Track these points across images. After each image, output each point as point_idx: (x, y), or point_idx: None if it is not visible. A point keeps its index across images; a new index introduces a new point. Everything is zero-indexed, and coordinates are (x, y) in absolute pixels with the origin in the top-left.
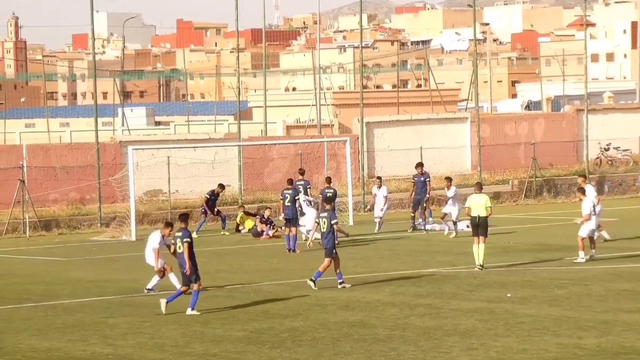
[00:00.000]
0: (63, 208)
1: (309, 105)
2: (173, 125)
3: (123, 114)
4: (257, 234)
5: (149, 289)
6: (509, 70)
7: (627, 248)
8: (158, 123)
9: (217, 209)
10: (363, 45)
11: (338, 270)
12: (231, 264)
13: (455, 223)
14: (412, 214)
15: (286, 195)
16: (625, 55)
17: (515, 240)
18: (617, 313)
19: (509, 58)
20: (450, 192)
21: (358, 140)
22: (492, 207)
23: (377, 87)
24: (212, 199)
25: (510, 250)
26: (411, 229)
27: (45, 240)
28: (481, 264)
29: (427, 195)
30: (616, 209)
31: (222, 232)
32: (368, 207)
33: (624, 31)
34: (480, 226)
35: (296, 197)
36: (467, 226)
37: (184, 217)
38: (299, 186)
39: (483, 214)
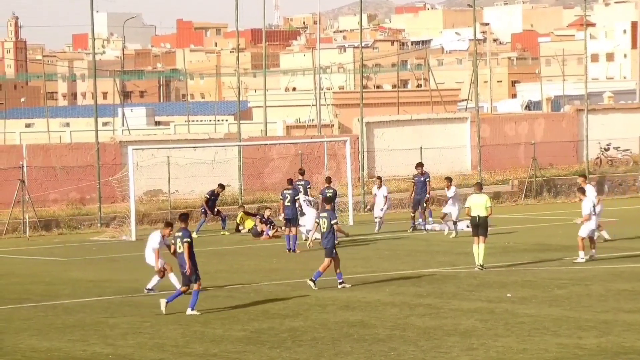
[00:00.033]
0: (63, 208)
1: (309, 105)
2: (173, 125)
3: (123, 114)
4: (257, 234)
5: (149, 289)
6: (509, 70)
7: (627, 248)
8: (158, 123)
9: (217, 209)
10: (363, 45)
11: (338, 270)
12: (231, 264)
13: (455, 223)
14: (412, 214)
15: (286, 195)
16: (625, 55)
17: (515, 240)
18: (617, 313)
19: (509, 58)
20: (450, 192)
21: (358, 140)
22: (492, 207)
23: (377, 87)
24: (212, 199)
25: (510, 250)
26: (411, 229)
27: (45, 240)
28: (481, 264)
29: (427, 195)
30: (616, 209)
31: (222, 232)
32: (368, 207)
33: (624, 31)
34: (480, 226)
35: (296, 197)
36: (467, 226)
37: (184, 217)
38: (299, 186)
39: (483, 214)
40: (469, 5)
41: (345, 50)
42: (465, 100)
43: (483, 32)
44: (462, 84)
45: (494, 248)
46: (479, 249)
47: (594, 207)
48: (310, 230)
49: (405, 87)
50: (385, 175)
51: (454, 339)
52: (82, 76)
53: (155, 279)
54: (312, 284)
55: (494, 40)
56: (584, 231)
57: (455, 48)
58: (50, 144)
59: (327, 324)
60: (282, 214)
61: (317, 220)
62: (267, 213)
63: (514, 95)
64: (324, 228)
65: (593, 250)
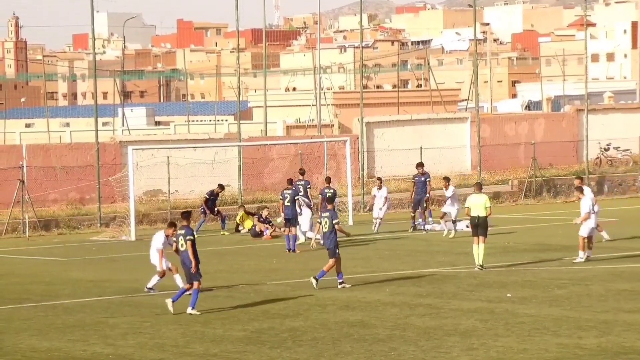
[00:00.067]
0: (63, 208)
1: (309, 105)
2: (173, 125)
3: (123, 114)
4: (256, 234)
5: (149, 288)
6: (509, 70)
7: (627, 248)
8: (158, 123)
9: (217, 209)
10: (363, 45)
11: (338, 271)
12: (231, 264)
13: (454, 222)
14: (413, 214)
15: (286, 195)
16: (625, 55)
17: (515, 240)
18: (617, 313)
19: (509, 58)
20: (449, 192)
21: (358, 140)
22: (492, 207)
23: (378, 87)
24: (212, 199)
25: (510, 250)
26: (411, 229)
27: (45, 240)
28: (481, 264)
29: (428, 195)
30: (616, 209)
31: (221, 232)
32: (367, 207)
33: (624, 31)
34: (480, 226)
35: (296, 197)
36: (467, 226)
37: (187, 214)
38: (299, 186)
39: (482, 214)
40: (469, 5)
41: (345, 50)
42: (466, 100)
43: (483, 32)
44: (462, 84)
45: (494, 248)
46: (478, 249)
47: (592, 205)
48: (306, 231)
49: (405, 87)
50: (385, 175)
51: (454, 339)
52: (83, 76)
53: (155, 279)
54: (314, 282)
55: (494, 40)
56: (584, 230)
57: (455, 48)
58: (50, 144)
59: (327, 324)
60: (282, 214)
61: (319, 220)
62: (264, 213)
63: (514, 95)
64: (325, 228)
65: (589, 251)
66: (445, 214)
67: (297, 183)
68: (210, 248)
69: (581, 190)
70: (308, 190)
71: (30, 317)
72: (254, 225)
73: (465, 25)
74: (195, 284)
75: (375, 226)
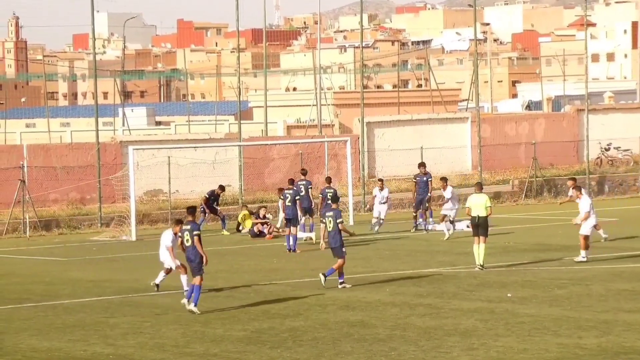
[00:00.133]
0: (63, 208)
1: (310, 105)
2: (173, 125)
3: (123, 114)
4: (255, 235)
5: (156, 284)
6: (510, 70)
7: (627, 248)
8: (158, 123)
9: (217, 209)
10: (363, 45)
11: (340, 272)
12: (231, 264)
13: (452, 222)
14: (415, 214)
15: (287, 195)
16: (625, 55)
17: (515, 240)
18: (617, 313)
19: (510, 58)
20: (447, 193)
21: (358, 140)
22: (492, 207)
23: (378, 87)
24: (212, 199)
25: (510, 250)
26: (414, 229)
27: (46, 240)
28: (481, 263)
29: (429, 195)
30: (616, 209)
31: (222, 232)
32: (368, 206)
33: (625, 31)
34: (480, 226)
35: (297, 197)
36: (467, 226)
37: (192, 210)
38: (301, 186)
39: (483, 213)
40: (470, 5)
41: (345, 50)
42: (466, 100)
43: (484, 32)
44: (462, 84)
45: (494, 248)
46: (479, 249)
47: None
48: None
49: (405, 87)
50: (386, 176)
51: (454, 338)
52: (83, 76)
53: (161, 275)
54: (322, 277)
55: (495, 40)
56: (585, 229)
57: (455, 48)
58: (51, 144)
59: (327, 324)
60: (283, 214)
61: (323, 220)
62: (262, 212)
63: (514, 95)
64: (330, 227)
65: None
66: (445, 216)
67: (299, 183)
68: (210, 248)
69: (579, 189)
70: (309, 190)
71: (30, 317)
72: (254, 225)
73: (466, 25)
74: (197, 279)
75: (373, 226)
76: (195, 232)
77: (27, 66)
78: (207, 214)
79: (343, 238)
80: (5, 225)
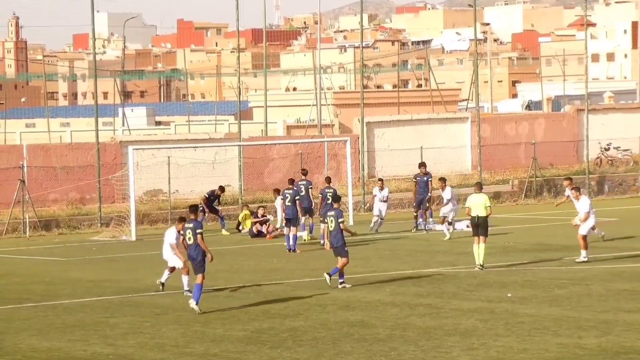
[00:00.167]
0: (63, 208)
1: (310, 105)
2: (173, 125)
3: (123, 114)
4: (254, 235)
5: (161, 283)
6: (510, 70)
7: (627, 248)
8: (158, 123)
9: (218, 209)
10: (363, 45)
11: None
12: (231, 264)
13: (450, 224)
14: (415, 214)
15: (287, 195)
16: (625, 55)
17: (515, 240)
18: (617, 313)
19: (510, 58)
20: (446, 194)
21: (358, 140)
22: (492, 206)
23: (378, 87)
24: (211, 199)
25: (510, 250)
26: (414, 230)
27: (45, 240)
28: (481, 263)
29: (429, 195)
30: (616, 209)
31: (222, 232)
32: (368, 205)
33: (625, 31)
34: (480, 226)
35: (296, 197)
36: (467, 226)
37: (194, 208)
38: (301, 186)
39: (482, 213)
40: (470, 5)
41: (345, 50)
42: (466, 100)
43: (484, 32)
44: (462, 84)
45: (494, 248)
46: (479, 249)
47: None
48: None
49: (405, 87)
50: (386, 175)
51: (454, 338)
52: (83, 76)
53: (166, 273)
54: (327, 277)
55: (495, 40)
56: (584, 229)
57: (455, 48)
58: (51, 144)
59: (327, 324)
60: (283, 214)
61: (325, 220)
62: (260, 212)
63: (514, 95)
64: (331, 227)
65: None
66: (444, 218)
67: (299, 183)
68: (210, 248)
69: (578, 190)
70: (310, 190)
71: (30, 317)
72: (253, 225)
73: (466, 25)
74: (199, 277)
75: (373, 224)
76: (198, 231)
77: (27, 66)
78: (206, 214)
79: (345, 238)
80: (5, 225)
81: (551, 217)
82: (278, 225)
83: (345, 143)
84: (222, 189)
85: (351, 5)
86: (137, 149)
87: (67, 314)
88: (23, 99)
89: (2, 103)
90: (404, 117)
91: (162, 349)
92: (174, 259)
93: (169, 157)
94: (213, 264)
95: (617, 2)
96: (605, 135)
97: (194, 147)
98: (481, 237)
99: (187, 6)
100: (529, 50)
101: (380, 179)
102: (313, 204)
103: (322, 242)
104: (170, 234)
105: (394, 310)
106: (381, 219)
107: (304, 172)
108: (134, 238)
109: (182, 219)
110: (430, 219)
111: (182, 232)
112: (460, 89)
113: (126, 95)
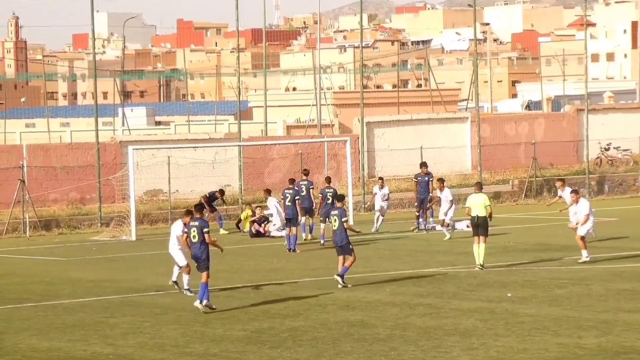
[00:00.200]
0: (63, 208)
1: (309, 105)
2: (173, 125)
3: (123, 114)
4: (253, 235)
5: (174, 282)
6: (509, 70)
7: (627, 248)
8: (158, 123)
9: (217, 209)
10: (363, 45)
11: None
12: (231, 264)
13: (449, 226)
14: (417, 213)
15: (287, 195)
16: (625, 55)
17: (515, 240)
18: (617, 313)
19: (509, 58)
20: (445, 194)
21: (358, 140)
22: (492, 206)
23: (378, 87)
24: (212, 200)
25: (510, 250)
26: (416, 230)
27: (45, 240)
28: (481, 263)
29: (430, 195)
30: (616, 209)
31: (220, 232)
32: (368, 204)
33: (624, 31)
34: (480, 226)
35: (296, 197)
36: (467, 226)
37: (200, 207)
38: (302, 186)
39: (482, 213)
40: (469, 5)
41: (345, 50)
42: (466, 100)
43: (483, 32)
44: (462, 84)
45: (494, 248)
46: (479, 249)
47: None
48: (279, 228)
49: (405, 87)
50: (386, 175)
51: (454, 338)
52: (83, 76)
53: (176, 271)
54: (339, 279)
55: (494, 40)
56: (582, 230)
57: (455, 48)
58: (51, 143)
59: (327, 324)
60: (283, 214)
61: (328, 219)
62: (258, 211)
63: (514, 95)
64: (334, 226)
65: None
66: (443, 220)
67: (300, 183)
68: (210, 248)
69: (577, 192)
70: (311, 190)
71: (30, 317)
72: (251, 225)
73: (465, 25)
74: (204, 275)
75: (376, 222)
76: (205, 230)
77: (26, 66)
78: (207, 214)
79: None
80: (5, 225)
81: (551, 217)
82: (275, 227)
83: (345, 143)
84: (222, 192)
85: (351, 5)
86: (137, 149)
87: (67, 314)
88: (23, 99)
89: (2, 103)
90: (404, 117)
91: (162, 349)
92: (178, 256)
93: (169, 157)
94: (213, 264)
95: (617, 2)
96: (605, 135)
97: (194, 147)
98: (481, 237)
99: (187, 6)
100: (528, 50)
101: (381, 178)
102: (314, 204)
103: (321, 242)
104: (177, 227)
105: (394, 310)
106: (382, 215)
107: (306, 173)
108: (134, 238)
109: (190, 212)
110: (431, 219)
111: (186, 229)
112: (460, 89)
113: (126, 95)
